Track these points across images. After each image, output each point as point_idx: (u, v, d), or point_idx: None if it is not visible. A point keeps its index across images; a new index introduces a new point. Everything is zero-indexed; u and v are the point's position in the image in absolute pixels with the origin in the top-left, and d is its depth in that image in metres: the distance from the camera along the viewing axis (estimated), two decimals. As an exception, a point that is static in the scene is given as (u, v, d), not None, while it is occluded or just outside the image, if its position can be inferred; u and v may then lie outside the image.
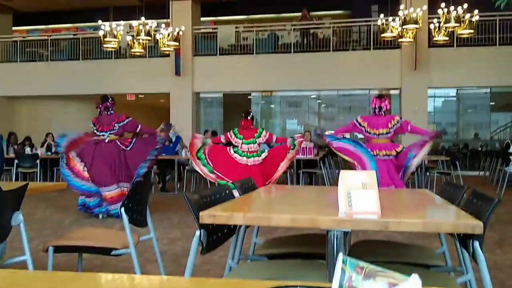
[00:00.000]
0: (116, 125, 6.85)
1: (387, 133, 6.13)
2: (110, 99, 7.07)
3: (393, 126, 6.14)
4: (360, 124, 6.25)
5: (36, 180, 10.35)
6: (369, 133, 6.17)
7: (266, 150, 7.22)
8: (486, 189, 9.52)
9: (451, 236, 2.47)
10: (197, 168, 6.91)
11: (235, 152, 6.88)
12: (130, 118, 6.99)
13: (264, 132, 7.05)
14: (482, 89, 14.54)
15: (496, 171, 10.78)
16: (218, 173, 6.71)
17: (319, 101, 17.54)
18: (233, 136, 6.99)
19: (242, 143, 6.91)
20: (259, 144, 6.99)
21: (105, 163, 6.70)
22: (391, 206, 2.43)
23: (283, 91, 15.27)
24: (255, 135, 6.97)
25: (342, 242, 1.99)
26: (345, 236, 2.00)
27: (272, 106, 17.58)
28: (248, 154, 6.84)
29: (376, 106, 6.30)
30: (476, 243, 1.98)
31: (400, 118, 6.32)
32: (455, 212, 2.20)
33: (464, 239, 2.16)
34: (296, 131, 17.58)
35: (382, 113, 6.27)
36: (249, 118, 7.10)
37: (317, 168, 9.96)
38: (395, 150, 6.13)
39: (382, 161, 6.07)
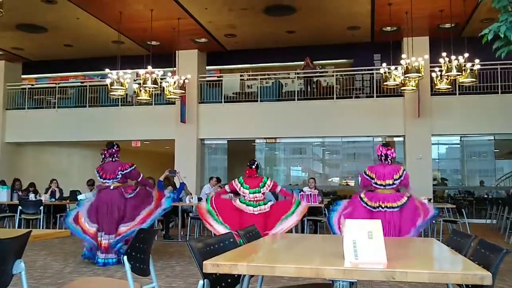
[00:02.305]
0: (119, 173, 6.88)
1: (392, 183, 6.16)
2: (116, 146, 7.13)
3: (398, 178, 6.19)
4: (369, 176, 6.30)
5: (39, 227, 10.28)
6: (377, 184, 6.21)
7: (272, 201, 7.23)
8: (494, 238, 9.41)
9: (459, 287, 2.41)
10: (208, 226, 6.82)
11: (241, 202, 6.87)
12: (134, 167, 7.01)
13: (268, 182, 7.04)
14: (486, 136, 14.57)
15: (503, 219, 10.65)
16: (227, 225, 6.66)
17: (323, 148, 17.59)
18: (239, 185, 6.99)
19: (248, 192, 6.91)
20: (263, 193, 6.98)
21: (108, 210, 6.72)
22: (397, 255, 2.39)
23: (287, 138, 15.34)
24: (260, 184, 6.96)
25: (348, 293, 1.95)
26: (351, 286, 1.97)
27: (277, 153, 17.63)
28: (255, 203, 6.83)
29: (383, 154, 6.35)
30: (486, 295, 1.93)
31: (404, 170, 6.35)
32: (463, 262, 2.17)
33: (473, 291, 2.12)
34: (301, 177, 17.54)
35: (389, 161, 6.32)
36: (253, 167, 7.10)
37: (322, 215, 9.87)
38: (397, 203, 6.11)
39: (383, 213, 6.03)
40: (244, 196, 6.90)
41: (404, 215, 6.12)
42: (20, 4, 11.90)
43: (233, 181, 7.16)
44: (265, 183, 6.99)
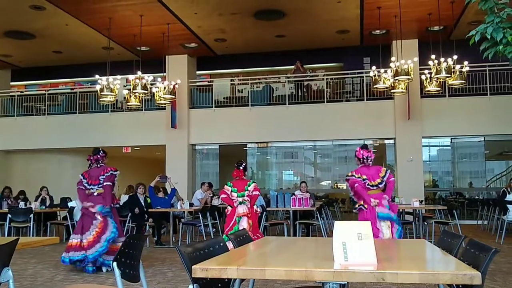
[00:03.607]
0: (101, 178, 6.83)
1: (380, 183, 6.20)
2: (101, 152, 7.05)
3: (384, 176, 6.23)
4: (360, 178, 6.28)
5: (30, 235, 10.18)
6: (370, 185, 6.21)
7: (259, 206, 7.31)
8: (485, 239, 9.45)
9: (450, 287, 2.41)
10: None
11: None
12: (115, 172, 6.91)
13: (251, 186, 7.02)
14: (476, 137, 14.67)
15: (494, 220, 10.70)
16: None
17: (315, 151, 17.61)
18: (229, 189, 7.00)
19: (237, 196, 6.90)
20: (248, 196, 6.99)
21: (90, 217, 6.69)
22: (388, 257, 2.39)
23: (279, 142, 15.34)
24: (245, 187, 6.98)
25: (339, 295, 1.94)
26: (341, 288, 1.96)
27: (268, 157, 17.62)
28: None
29: (364, 156, 6.35)
30: (476, 295, 1.93)
31: (387, 170, 6.36)
32: (453, 262, 2.16)
33: (463, 291, 2.11)
34: (293, 181, 17.53)
35: (370, 162, 6.34)
36: (241, 168, 7.10)
37: (314, 219, 9.86)
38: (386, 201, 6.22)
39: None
40: (234, 200, 6.91)
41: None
42: (8, 11, 11.83)
43: (223, 188, 7.17)
44: (249, 186, 7.00)
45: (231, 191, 6.97)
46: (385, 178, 6.25)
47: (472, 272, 1.77)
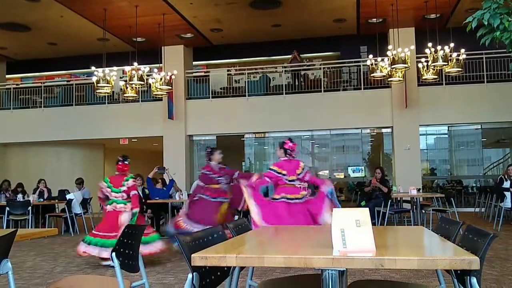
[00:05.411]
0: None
1: (296, 179, 6.06)
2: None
3: (300, 173, 6.06)
4: (279, 173, 6.06)
5: (28, 228, 10.19)
6: (288, 180, 6.03)
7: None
8: (483, 226, 9.48)
9: (448, 273, 2.43)
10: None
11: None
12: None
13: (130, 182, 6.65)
14: (473, 125, 14.69)
15: (491, 207, 10.75)
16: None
17: (312, 141, 17.61)
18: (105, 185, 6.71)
19: (111, 191, 6.59)
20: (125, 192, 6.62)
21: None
22: (386, 244, 2.40)
23: (276, 132, 15.33)
24: (122, 182, 6.58)
25: (338, 282, 1.94)
26: (340, 276, 1.96)
27: (266, 147, 17.61)
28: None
29: (291, 149, 6.18)
30: (474, 280, 1.95)
31: (304, 167, 6.19)
32: (451, 248, 2.17)
33: (462, 276, 2.13)
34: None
35: (293, 156, 6.22)
36: (126, 162, 6.72)
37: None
38: (301, 194, 6.03)
39: (293, 205, 5.95)
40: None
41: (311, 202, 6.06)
42: (2, 3, 11.75)
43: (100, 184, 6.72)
44: (127, 181, 6.68)
45: (110, 189, 6.55)
46: (300, 175, 6.04)
47: (471, 257, 1.77)
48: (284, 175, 6.05)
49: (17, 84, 17.39)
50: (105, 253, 6.01)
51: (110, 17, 12.52)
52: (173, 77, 12.22)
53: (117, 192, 6.52)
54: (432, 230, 2.99)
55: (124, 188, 6.54)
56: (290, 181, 6.05)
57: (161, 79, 12.01)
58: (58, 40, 14.93)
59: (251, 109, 14.39)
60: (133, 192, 6.55)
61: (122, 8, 12.12)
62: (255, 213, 5.89)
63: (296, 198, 6.00)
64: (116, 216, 6.32)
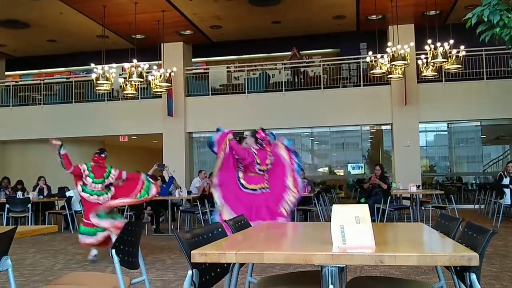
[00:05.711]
0: None
1: (265, 169, 6.03)
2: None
3: (269, 164, 6.03)
4: (256, 162, 6.00)
5: (27, 225, 10.19)
6: (260, 169, 6.00)
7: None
8: (482, 222, 9.48)
9: (447, 269, 2.43)
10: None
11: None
12: None
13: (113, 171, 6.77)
14: (473, 122, 14.69)
15: (491, 204, 10.76)
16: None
17: (312, 138, 17.62)
18: (85, 168, 6.79)
19: (92, 182, 6.67)
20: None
21: None
22: (386, 240, 2.40)
23: (276, 129, 15.31)
24: (104, 174, 6.71)
25: (338, 278, 1.95)
26: (340, 272, 1.96)
27: (265, 144, 17.63)
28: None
29: (262, 139, 6.13)
30: (473, 276, 1.95)
31: (271, 156, 6.10)
32: (451, 244, 2.17)
33: (461, 272, 2.13)
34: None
35: (263, 146, 6.14)
36: (103, 155, 6.79)
37: (312, 205, 9.90)
38: (266, 182, 6.00)
39: (260, 195, 5.92)
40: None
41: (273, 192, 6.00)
42: (2, 0, 11.72)
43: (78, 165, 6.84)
44: (110, 172, 6.81)
45: (88, 175, 6.63)
46: (268, 167, 5.99)
47: (470, 253, 1.77)
48: (258, 163, 6.01)
49: (16, 81, 17.37)
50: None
51: (110, 14, 12.50)
52: (172, 74, 12.21)
53: (96, 183, 6.59)
54: (432, 226, 2.99)
55: (107, 180, 6.64)
56: (260, 170, 6.00)
57: (160, 76, 11.99)
58: (57, 37, 14.92)
59: (250, 106, 14.39)
60: (124, 174, 6.78)
61: (122, 5, 12.11)
62: (216, 196, 5.90)
63: (262, 188, 5.96)
64: (95, 206, 6.38)
